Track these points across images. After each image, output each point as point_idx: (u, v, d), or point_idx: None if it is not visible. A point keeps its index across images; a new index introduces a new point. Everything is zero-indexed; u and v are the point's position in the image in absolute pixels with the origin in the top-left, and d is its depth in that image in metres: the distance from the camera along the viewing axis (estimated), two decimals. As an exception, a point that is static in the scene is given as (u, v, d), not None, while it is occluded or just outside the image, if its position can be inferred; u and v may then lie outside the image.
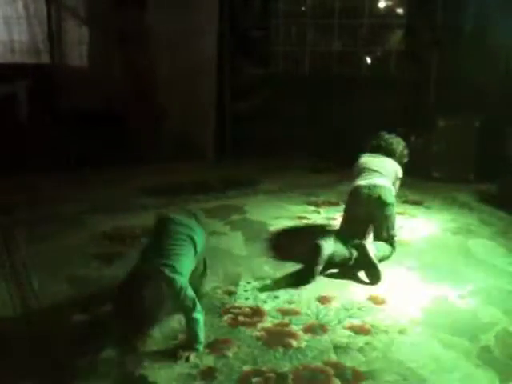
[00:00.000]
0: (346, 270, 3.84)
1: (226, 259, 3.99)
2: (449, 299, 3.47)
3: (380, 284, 3.65)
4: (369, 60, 7.82)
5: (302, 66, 7.83)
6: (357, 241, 3.91)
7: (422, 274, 3.82)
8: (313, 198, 5.54)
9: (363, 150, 4.61)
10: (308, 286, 3.59)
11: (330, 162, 6.70)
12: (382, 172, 4.19)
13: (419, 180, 5.98)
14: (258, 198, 5.55)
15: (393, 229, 4.07)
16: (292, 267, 3.87)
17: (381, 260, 3.86)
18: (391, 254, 4.04)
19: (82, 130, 6.54)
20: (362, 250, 3.79)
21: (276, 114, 7.27)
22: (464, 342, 2.97)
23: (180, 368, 2.68)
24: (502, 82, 6.19)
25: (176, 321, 3.09)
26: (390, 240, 4.04)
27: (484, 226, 4.78)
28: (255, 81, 7.47)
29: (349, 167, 6.37)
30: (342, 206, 5.26)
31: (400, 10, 7.52)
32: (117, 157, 6.45)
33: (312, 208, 5.27)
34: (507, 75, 6.19)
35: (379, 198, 3.98)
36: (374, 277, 3.69)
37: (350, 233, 4.07)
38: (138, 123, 7.25)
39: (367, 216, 4.08)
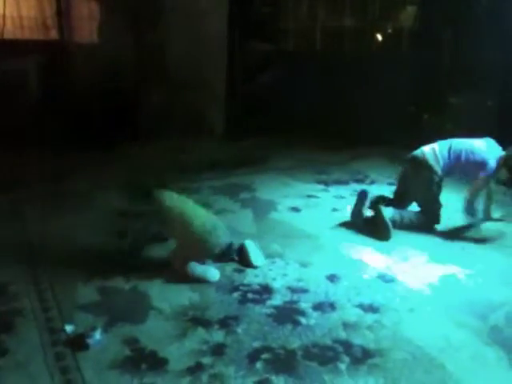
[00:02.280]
0: (354, 247, 3.86)
1: (235, 237, 3.98)
2: (459, 278, 3.46)
3: (389, 262, 3.65)
4: (380, 37, 7.71)
5: (312, 42, 7.74)
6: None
7: (432, 253, 3.81)
8: (323, 177, 5.52)
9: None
10: (317, 264, 3.59)
11: (342, 139, 6.63)
12: (445, 146, 4.19)
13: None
14: (268, 176, 5.53)
15: (430, 198, 4.18)
16: (301, 245, 3.88)
17: (406, 227, 4.13)
18: (424, 225, 4.17)
19: (93, 106, 6.54)
20: (377, 210, 4.08)
21: (287, 91, 7.22)
22: (473, 320, 2.97)
23: (190, 344, 2.70)
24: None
25: (186, 298, 3.12)
26: (429, 211, 4.18)
27: (496, 206, 4.73)
28: (265, 58, 7.40)
29: (360, 145, 6.35)
30: (352, 185, 5.29)
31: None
32: (128, 133, 6.45)
33: (321, 186, 5.25)
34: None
35: (414, 159, 4.21)
36: (383, 234, 3.97)
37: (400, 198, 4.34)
38: (149, 100, 7.24)
39: (409, 180, 4.30)
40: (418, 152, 4.24)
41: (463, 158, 4.10)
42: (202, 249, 3.45)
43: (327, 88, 7.07)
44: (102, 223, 4.21)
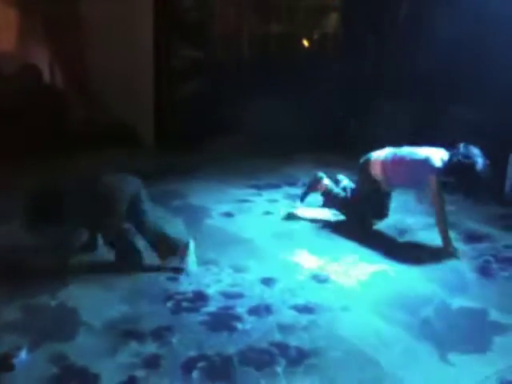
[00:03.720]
0: (288, 249, 3.88)
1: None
2: (389, 275, 3.55)
3: (322, 263, 3.69)
4: (306, 43, 7.85)
5: (240, 49, 7.76)
6: None
7: (363, 253, 3.88)
8: (255, 181, 5.51)
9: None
10: (251, 269, 3.57)
11: (272, 144, 6.66)
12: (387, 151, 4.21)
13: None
14: (200, 183, 5.46)
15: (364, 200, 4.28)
16: (236, 250, 3.85)
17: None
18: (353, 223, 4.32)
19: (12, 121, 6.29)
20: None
21: (216, 99, 7.19)
22: (404, 316, 3.05)
23: (122, 358, 2.61)
24: (438, 66, 6.31)
25: (117, 310, 3.02)
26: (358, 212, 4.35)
27: (421, 204, 4.88)
28: (193, 65, 7.35)
29: (290, 150, 6.39)
30: (284, 188, 5.33)
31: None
32: (55, 144, 6.21)
33: (254, 191, 5.24)
34: (445, 59, 6.30)
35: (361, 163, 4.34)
36: None
37: None
38: (72, 111, 7.02)
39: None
40: (365, 156, 4.29)
41: (405, 157, 4.06)
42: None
43: (256, 94, 7.10)
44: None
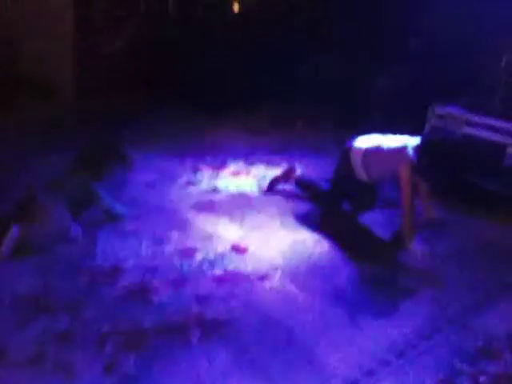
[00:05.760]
0: (209, 219, 3.87)
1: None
2: (307, 244, 3.63)
3: (242, 233, 3.72)
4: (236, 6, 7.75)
5: (165, 6, 7.51)
6: None
7: (283, 221, 3.95)
8: (178, 148, 5.38)
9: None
10: (171, 240, 3.54)
11: (198, 106, 6.48)
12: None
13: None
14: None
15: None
16: (156, 221, 3.80)
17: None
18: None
19: None
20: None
21: (139, 54, 7.01)
22: (319, 283, 3.15)
23: (32, 332, 2.55)
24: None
25: (28, 283, 2.93)
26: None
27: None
28: (117, 20, 7.07)
29: (216, 112, 6.24)
30: (207, 157, 5.25)
31: None
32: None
33: (176, 159, 5.12)
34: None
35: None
36: None
37: None
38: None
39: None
40: (348, 142, 4.00)
41: (383, 148, 3.80)
42: None
43: (178, 52, 6.96)
44: None
